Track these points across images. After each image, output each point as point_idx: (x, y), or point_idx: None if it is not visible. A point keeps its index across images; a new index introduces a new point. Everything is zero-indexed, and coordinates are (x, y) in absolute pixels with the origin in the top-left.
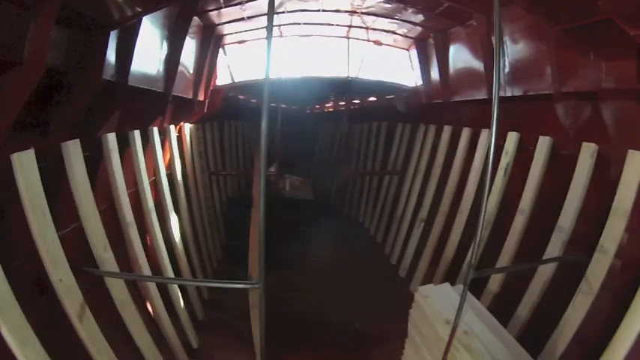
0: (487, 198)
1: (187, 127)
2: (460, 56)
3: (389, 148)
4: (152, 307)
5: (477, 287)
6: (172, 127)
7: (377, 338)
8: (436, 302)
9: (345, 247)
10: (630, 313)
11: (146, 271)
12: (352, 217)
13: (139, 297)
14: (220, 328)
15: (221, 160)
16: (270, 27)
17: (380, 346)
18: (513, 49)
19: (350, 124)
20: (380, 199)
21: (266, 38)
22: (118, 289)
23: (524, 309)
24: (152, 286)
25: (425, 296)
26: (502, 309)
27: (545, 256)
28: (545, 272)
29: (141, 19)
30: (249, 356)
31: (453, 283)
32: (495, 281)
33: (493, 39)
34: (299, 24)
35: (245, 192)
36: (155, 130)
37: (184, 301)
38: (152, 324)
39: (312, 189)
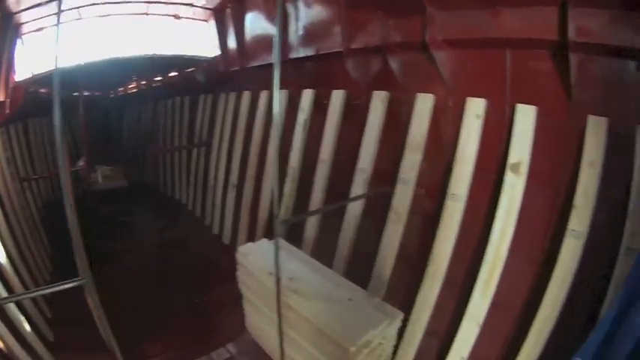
0: (276, 153)
1: None
2: (256, 24)
3: (194, 121)
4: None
5: (296, 236)
6: None
7: (219, 307)
8: (257, 258)
9: (168, 227)
10: (441, 229)
11: None
12: (169, 196)
13: None
14: (75, 344)
15: (30, 164)
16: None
17: (224, 313)
18: (306, 13)
19: (155, 102)
20: (192, 173)
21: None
22: None
23: (344, 245)
24: None
25: (245, 255)
26: (324, 251)
27: (351, 196)
28: (354, 210)
29: None
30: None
31: (271, 239)
32: (311, 227)
33: (288, 5)
34: (98, 4)
35: (60, 194)
36: None
37: (30, 326)
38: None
39: (125, 175)
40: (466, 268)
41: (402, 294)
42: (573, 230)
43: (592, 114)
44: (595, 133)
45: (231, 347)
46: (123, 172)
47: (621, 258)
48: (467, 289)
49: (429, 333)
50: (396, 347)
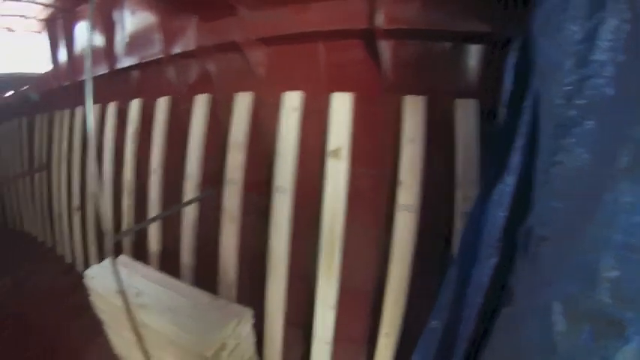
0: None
1: None
2: (85, 34)
3: (33, 144)
4: None
5: (141, 253)
6: None
7: (86, 339)
8: (103, 279)
9: (19, 266)
10: (273, 222)
11: None
12: (18, 231)
13: None
14: None
15: None
16: None
17: (92, 345)
18: (131, 22)
19: None
20: (37, 202)
21: None
22: None
23: (186, 254)
24: None
25: (92, 278)
26: (171, 262)
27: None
28: (189, 217)
29: None
30: None
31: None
32: (154, 241)
33: (114, 13)
34: None
35: None
36: None
37: None
38: None
39: None
40: (306, 255)
41: (253, 291)
42: (403, 205)
43: (409, 94)
44: (413, 112)
45: None
46: None
47: (457, 222)
48: (312, 275)
49: (289, 324)
50: (262, 343)
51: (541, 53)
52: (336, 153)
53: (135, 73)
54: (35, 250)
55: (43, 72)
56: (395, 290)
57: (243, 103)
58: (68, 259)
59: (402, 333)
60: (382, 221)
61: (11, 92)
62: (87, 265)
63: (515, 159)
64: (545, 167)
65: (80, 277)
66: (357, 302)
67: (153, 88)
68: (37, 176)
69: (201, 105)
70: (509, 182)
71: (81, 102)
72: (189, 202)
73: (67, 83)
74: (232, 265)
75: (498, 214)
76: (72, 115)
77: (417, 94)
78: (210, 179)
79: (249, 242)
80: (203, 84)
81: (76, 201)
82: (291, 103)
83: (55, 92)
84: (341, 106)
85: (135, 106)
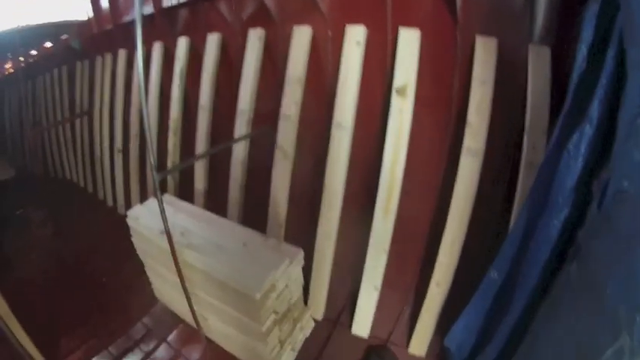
0: (146, 104)
1: None
2: None
3: (74, 91)
4: None
5: (185, 191)
6: None
7: (127, 281)
8: (147, 219)
9: (62, 211)
10: (330, 159)
11: None
12: (60, 178)
13: None
14: None
15: None
16: None
17: (133, 286)
18: None
19: (34, 79)
20: (78, 147)
21: None
22: None
23: (235, 192)
24: None
25: (135, 218)
26: (217, 201)
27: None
28: (239, 153)
29: None
30: None
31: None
32: (200, 179)
33: None
34: None
35: None
36: None
37: None
38: None
39: (10, 166)
40: (363, 195)
41: (302, 231)
42: (469, 148)
43: (481, 35)
44: (484, 53)
45: (147, 320)
46: (9, 161)
47: (523, 171)
48: (367, 216)
49: (337, 267)
50: (307, 286)
51: (630, 7)
52: (401, 90)
53: (183, 12)
54: (76, 195)
55: (83, 19)
56: (451, 238)
57: (302, 37)
58: (110, 203)
59: (453, 283)
60: (444, 164)
61: (50, 44)
62: (127, 207)
63: (595, 109)
64: (630, 119)
65: (122, 221)
66: (411, 248)
67: (202, 25)
68: (77, 123)
69: (255, 39)
70: (587, 132)
71: (123, 45)
72: (242, 138)
73: (109, 27)
74: (283, 204)
75: (574, 164)
76: (114, 58)
77: (490, 34)
78: (263, 115)
79: (302, 180)
80: (258, 18)
81: (118, 143)
82: (355, 37)
83: (96, 37)
84: (409, 42)
85: (182, 44)
